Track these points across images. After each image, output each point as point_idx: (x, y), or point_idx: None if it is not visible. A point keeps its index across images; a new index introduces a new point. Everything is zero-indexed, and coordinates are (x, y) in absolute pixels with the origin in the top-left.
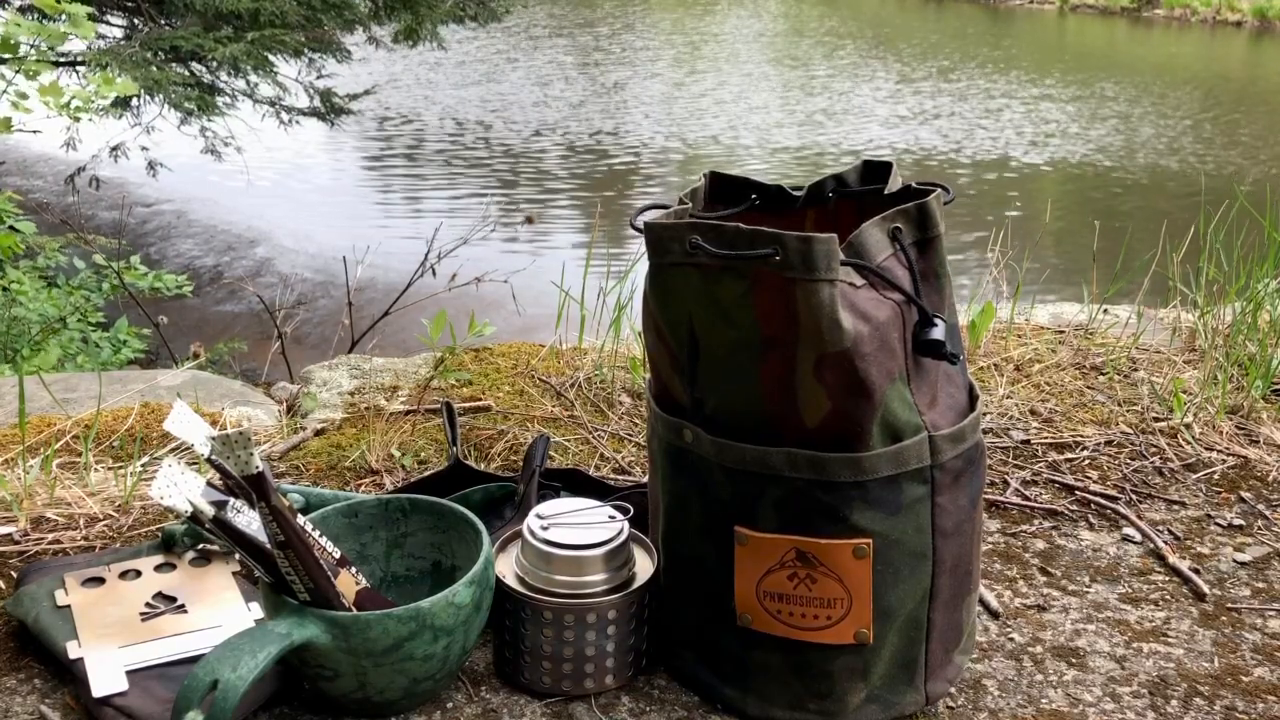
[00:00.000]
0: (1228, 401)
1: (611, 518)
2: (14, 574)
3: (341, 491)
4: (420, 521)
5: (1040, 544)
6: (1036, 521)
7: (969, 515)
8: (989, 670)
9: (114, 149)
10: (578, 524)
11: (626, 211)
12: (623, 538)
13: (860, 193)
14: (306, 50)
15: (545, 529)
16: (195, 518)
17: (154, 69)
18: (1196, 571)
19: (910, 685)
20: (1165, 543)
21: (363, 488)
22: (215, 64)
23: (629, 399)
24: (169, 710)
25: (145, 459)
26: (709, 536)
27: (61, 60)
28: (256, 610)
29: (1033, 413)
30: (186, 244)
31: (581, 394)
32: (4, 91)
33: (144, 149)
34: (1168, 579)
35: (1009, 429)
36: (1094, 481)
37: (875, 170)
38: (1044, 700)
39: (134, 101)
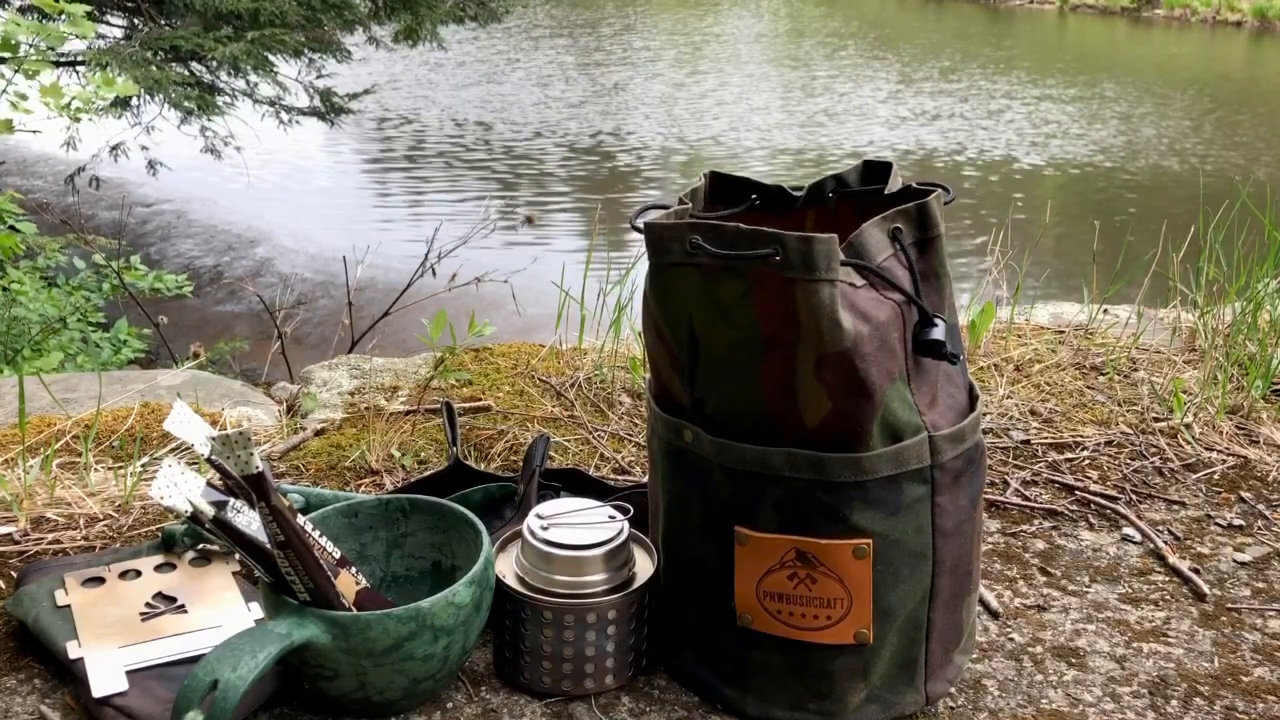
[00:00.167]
0: (1228, 401)
1: (611, 518)
2: (14, 574)
3: (341, 491)
4: (420, 521)
5: (1040, 544)
6: (1036, 521)
7: (969, 515)
8: (989, 670)
9: (114, 148)
10: (578, 524)
11: (627, 212)
12: (623, 538)
13: (860, 193)
14: (306, 50)
15: (545, 529)
16: (195, 518)
17: (154, 69)
18: (1196, 571)
19: (910, 685)
20: (1165, 543)
21: (363, 488)
22: (215, 64)
23: (629, 399)
24: (169, 710)
25: (145, 459)
26: (709, 536)
27: (62, 60)
28: (256, 610)
29: (1033, 413)
30: (186, 244)
31: (581, 394)
32: (3, 91)
33: (144, 148)
34: (1168, 579)
35: (1009, 429)
36: (1094, 481)
37: (875, 170)
38: (1044, 700)
39: (134, 101)
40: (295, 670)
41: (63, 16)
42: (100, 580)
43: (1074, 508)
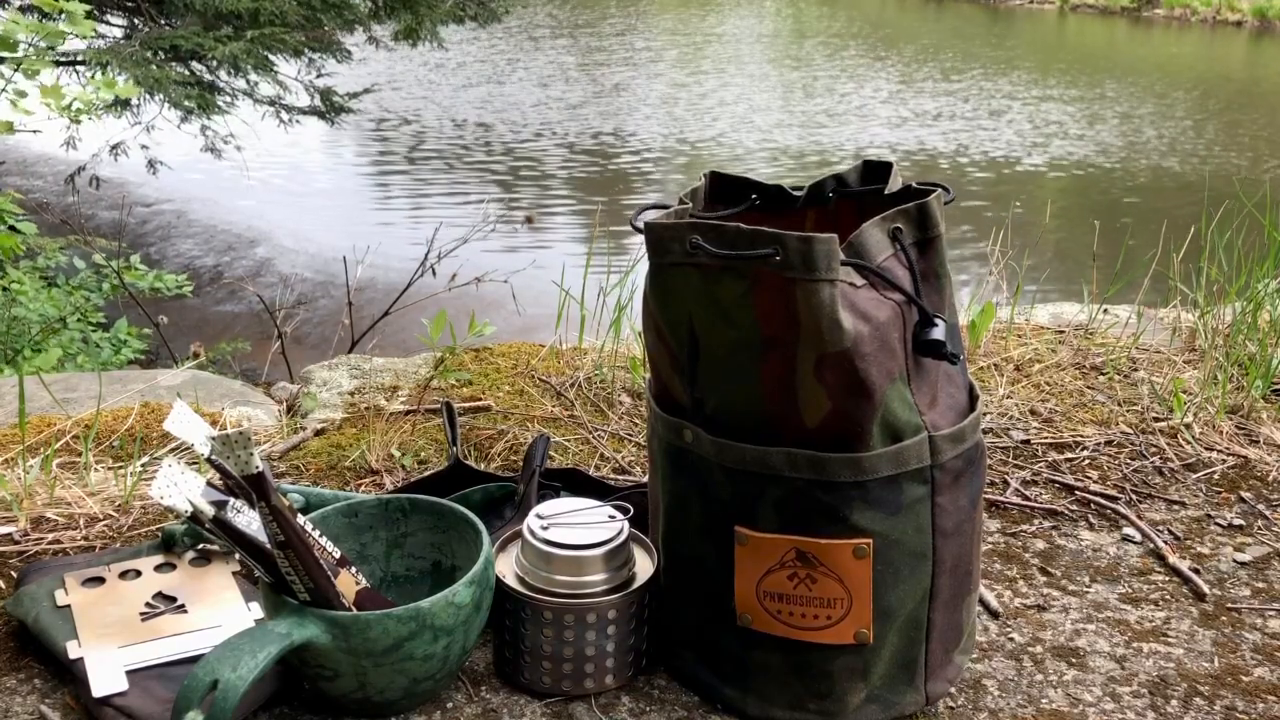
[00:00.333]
0: (1228, 401)
1: (611, 518)
2: (14, 574)
3: (341, 491)
4: (420, 521)
5: (1040, 544)
6: (1036, 521)
7: (969, 515)
8: (989, 670)
9: (114, 148)
10: (578, 524)
11: (627, 212)
12: (623, 538)
13: (860, 193)
14: (306, 50)
15: (545, 529)
16: (195, 518)
17: (154, 68)
18: (1196, 571)
19: (910, 685)
20: (1165, 543)
21: (363, 488)
22: (215, 63)
23: (629, 399)
24: (169, 710)
25: (145, 459)
26: (709, 536)
27: (62, 60)
28: (256, 610)
29: (1033, 413)
30: (186, 244)
31: (581, 394)
32: (3, 90)
33: (144, 148)
34: (1168, 579)
35: (1009, 429)
36: (1094, 481)
37: (875, 170)
38: (1044, 700)
39: (134, 100)
40: (295, 670)
41: (62, 15)
42: (100, 580)
43: (1074, 508)
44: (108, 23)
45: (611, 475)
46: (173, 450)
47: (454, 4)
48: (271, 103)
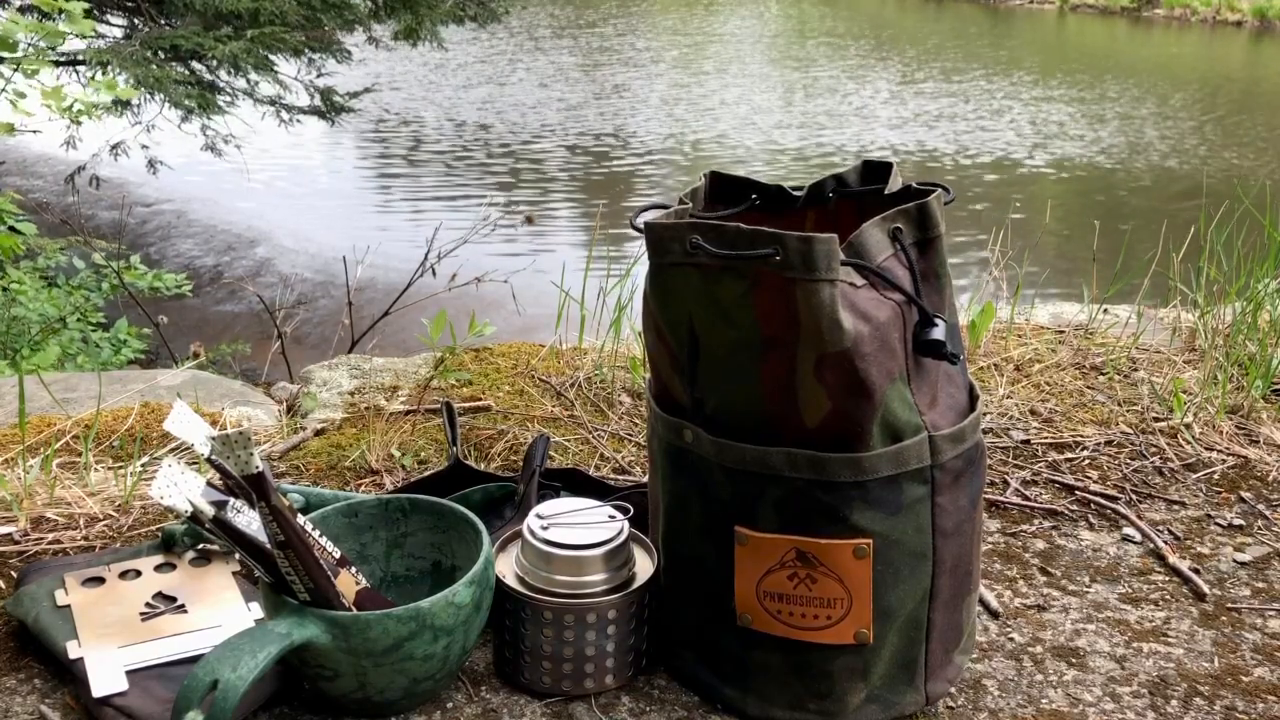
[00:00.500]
0: (1228, 401)
1: (611, 518)
2: (14, 574)
3: (341, 491)
4: (420, 521)
5: (1040, 544)
6: (1036, 521)
7: (969, 515)
8: (989, 670)
9: (114, 147)
10: (578, 524)
11: (627, 212)
12: (623, 538)
13: (860, 193)
14: (306, 50)
15: (545, 529)
16: (195, 518)
17: (154, 68)
18: (1196, 571)
19: (910, 685)
20: (1165, 543)
21: (363, 488)
22: (215, 63)
23: (629, 399)
24: (169, 710)
25: (145, 459)
26: (709, 536)
27: (61, 60)
28: (256, 610)
29: (1033, 413)
30: (186, 244)
31: (581, 394)
32: (2, 90)
33: (144, 147)
34: (1168, 579)
35: (1009, 429)
36: (1094, 481)
37: (875, 170)
38: (1044, 700)
39: (134, 100)
40: (295, 670)
41: (61, 15)
42: (100, 580)
43: (1074, 508)
44: (108, 22)
45: (611, 475)
46: (173, 450)
47: (454, 4)
48: (272, 102)
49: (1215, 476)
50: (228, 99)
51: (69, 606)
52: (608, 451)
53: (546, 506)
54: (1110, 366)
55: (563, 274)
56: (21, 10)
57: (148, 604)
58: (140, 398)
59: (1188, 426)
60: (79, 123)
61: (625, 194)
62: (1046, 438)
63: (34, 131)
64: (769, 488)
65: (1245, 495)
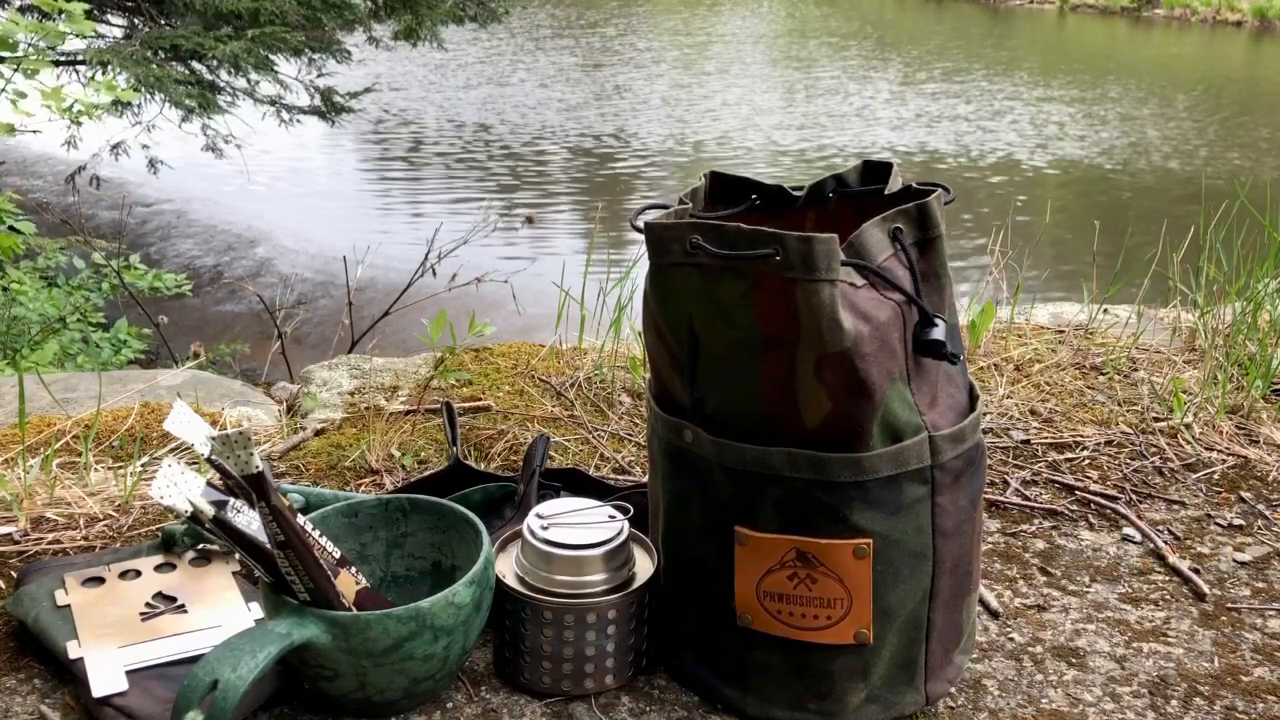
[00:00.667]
0: (1228, 401)
1: (611, 518)
2: (14, 574)
3: (341, 491)
4: (420, 521)
5: (1040, 544)
6: (1036, 521)
7: (969, 515)
8: (989, 670)
9: (114, 147)
10: (578, 524)
11: (627, 212)
12: (623, 538)
13: (860, 193)
14: (307, 50)
15: (545, 529)
16: (195, 518)
17: (154, 68)
18: (1196, 571)
19: (910, 685)
20: (1165, 543)
21: (363, 488)
22: (215, 63)
23: (629, 399)
24: (169, 710)
25: (145, 459)
26: (709, 536)
27: (61, 60)
28: (256, 610)
29: (1033, 413)
30: (186, 244)
31: (581, 394)
32: (3, 90)
33: (145, 147)
34: (1168, 579)
35: (1009, 429)
36: (1094, 481)
37: (875, 170)
38: (1044, 700)
39: (134, 100)
40: (295, 670)
41: (61, 15)
42: (100, 580)
43: (1074, 508)
44: (108, 23)
45: (611, 475)
46: (173, 450)
47: (454, 4)
48: (272, 102)
49: (1215, 476)
50: (228, 99)
51: (69, 606)
52: (608, 451)
53: (546, 506)
54: (1110, 366)
55: (563, 274)
56: (21, 10)
57: (148, 604)
58: (140, 398)
59: (1188, 426)
60: (79, 123)
61: (626, 194)
62: (1046, 438)
63: (34, 132)
64: (769, 488)
65: (1245, 495)
